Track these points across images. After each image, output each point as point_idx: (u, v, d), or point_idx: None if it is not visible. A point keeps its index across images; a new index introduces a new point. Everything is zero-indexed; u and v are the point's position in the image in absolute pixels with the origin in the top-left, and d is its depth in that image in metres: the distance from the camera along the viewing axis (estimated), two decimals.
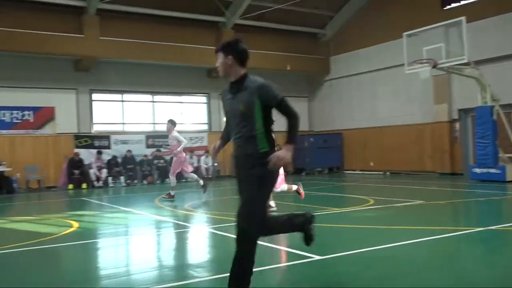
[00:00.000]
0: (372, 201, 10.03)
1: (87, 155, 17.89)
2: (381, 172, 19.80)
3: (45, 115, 17.67)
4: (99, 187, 17.18)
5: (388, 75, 19.62)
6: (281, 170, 7.68)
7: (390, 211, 8.86)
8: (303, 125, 21.62)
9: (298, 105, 19.93)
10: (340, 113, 22.15)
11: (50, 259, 6.04)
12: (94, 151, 18.04)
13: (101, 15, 17.84)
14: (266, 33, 21.11)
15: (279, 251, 5.78)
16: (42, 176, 16.94)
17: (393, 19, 18.98)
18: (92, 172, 17.43)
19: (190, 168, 12.06)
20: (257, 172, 3.69)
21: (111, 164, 17.97)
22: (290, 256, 5.42)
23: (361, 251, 5.45)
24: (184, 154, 11.72)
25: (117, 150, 18.63)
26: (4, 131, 16.87)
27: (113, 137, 18.84)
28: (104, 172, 17.58)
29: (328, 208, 9.19)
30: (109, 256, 6.26)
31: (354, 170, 21.09)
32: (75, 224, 8.28)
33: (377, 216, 8.34)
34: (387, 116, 19.86)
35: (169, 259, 5.91)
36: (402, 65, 15.62)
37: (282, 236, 5.97)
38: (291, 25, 21.32)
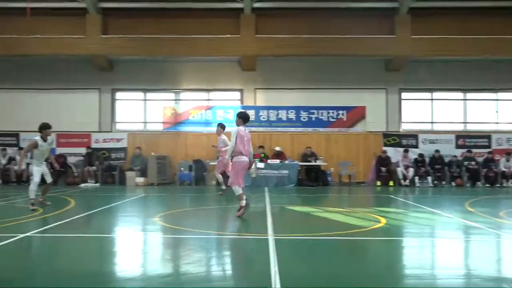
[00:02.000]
0: None
1: (394, 153, 18.20)
2: None
3: (357, 114, 18.77)
4: (406, 185, 17.24)
5: None
6: None
7: None
8: None
9: None
10: None
11: (357, 250, 6.38)
12: (401, 149, 18.20)
13: (412, 14, 17.86)
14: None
15: None
16: (353, 172, 18.04)
17: None
18: (399, 170, 17.60)
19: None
20: None
21: (418, 163, 17.79)
22: None
23: None
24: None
25: (424, 149, 18.35)
26: (321, 129, 18.67)
27: (421, 136, 18.64)
28: (411, 171, 17.53)
29: None
30: (414, 256, 6.22)
31: None
32: (383, 220, 8.52)
33: None
34: None
35: (478, 268, 5.50)
36: None
37: None
38: None
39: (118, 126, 19.30)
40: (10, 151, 18.18)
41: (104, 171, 18.00)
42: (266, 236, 6.81)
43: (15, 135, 18.61)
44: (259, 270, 5.07)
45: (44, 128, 10.07)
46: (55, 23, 18.41)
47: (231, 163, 9.24)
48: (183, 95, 19.49)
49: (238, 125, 8.89)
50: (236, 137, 8.66)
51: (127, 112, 19.45)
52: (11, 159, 17.86)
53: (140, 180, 17.29)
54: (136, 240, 7.13)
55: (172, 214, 9.80)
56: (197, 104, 19.21)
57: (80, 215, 9.39)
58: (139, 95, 19.52)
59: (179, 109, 19.10)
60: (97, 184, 17.34)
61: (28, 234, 6.95)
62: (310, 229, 7.83)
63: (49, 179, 10.31)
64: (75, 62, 18.70)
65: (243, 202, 8.67)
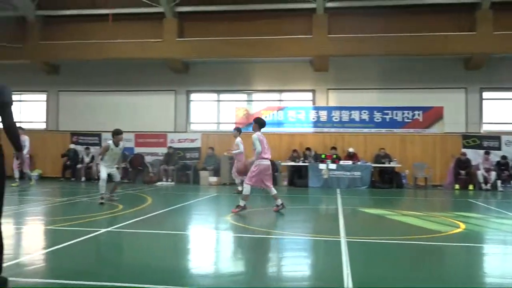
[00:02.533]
0: None
1: (474, 156, 17.35)
2: None
3: (433, 115, 18.07)
4: (487, 189, 16.37)
5: None
6: None
7: None
8: None
9: None
10: None
11: (433, 255, 6.14)
12: (482, 151, 17.31)
13: (495, 9, 16.98)
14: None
15: None
16: (429, 174, 17.39)
17: None
18: (480, 173, 16.75)
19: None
20: None
21: (501, 166, 16.84)
22: None
23: None
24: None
25: (508, 151, 17.34)
26: (396, 130, 18.16)
27: (504, 138, 17.63)
28: (493, 174, 16.63)
29: None
30: (495, 264, 5.90)
31: None
32: (462, 225, 8.16)
33: None
34: None
35: None
36: None
37: None
38: None
39: (193, 127, 19.83)
40: (93, 150, 19.21)
41: (179, 170, 18.56)
42: (338, 238, 6.73)
43: (98, 135, 19.65)
44: (331, 271, 5.02)
45: (116, 134, 10.70)
46: (135, 28, 19.24)
47: (253, 165, 9.61)
48: (255, 96, 19.69)
49: (255, 130, 9.52)
50: (261, 142, 9.27)
51: (201, 113, 19.94)
52: (94, 158, 18.88)
53: (213, 179, 17.66)
54: (208, 238, 7.29)
55: (243, 213, 9.92)
56: (269, 105, 19.33)
57: (156, 213, 9.75)
58: (213, 96, 19.95)
59: (251, 109, 19.32)
60: (172, 183, 17.92)
61: (108, 229, 7.31)
62: (384, 232, 7.64)
63: (117, 177, 10.87)
64: (153, 65, 19.43)
65: (243, 203, 9.30)
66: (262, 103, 19.46)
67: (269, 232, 7.27)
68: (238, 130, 14.03)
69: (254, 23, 18.62)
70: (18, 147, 4.31)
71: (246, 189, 9.36)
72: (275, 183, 17.60)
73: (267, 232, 7.31)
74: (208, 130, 19.62)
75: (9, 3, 18.47)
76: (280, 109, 19.05)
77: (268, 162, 9.49)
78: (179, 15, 18.98)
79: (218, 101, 19.94)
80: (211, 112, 19.90)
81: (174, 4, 18.41)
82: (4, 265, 4.98)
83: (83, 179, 18.64)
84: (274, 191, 9.47)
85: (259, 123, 9.58)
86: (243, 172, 10.50)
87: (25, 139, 15.02)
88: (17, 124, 4.40)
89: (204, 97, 20.08)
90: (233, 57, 18.47)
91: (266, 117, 18.98)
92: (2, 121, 4.17)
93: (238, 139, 13.70)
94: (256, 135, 9.37)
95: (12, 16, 19.32)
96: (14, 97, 21.40)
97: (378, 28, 17.75)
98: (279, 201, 9.48)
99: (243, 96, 19.85)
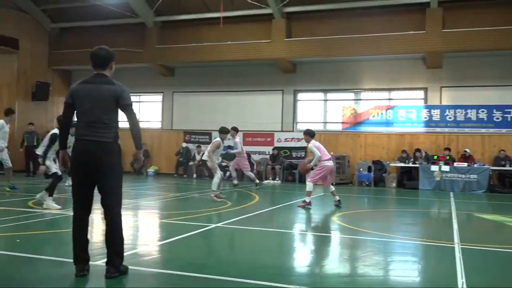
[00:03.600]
0: None
1: None
2: None
3: None
4: None
5: None
6: None
7: None
8: None
9: None
10: None
11: None
12: None
13: None
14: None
15: None
16: None
17: None
18: None
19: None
20: None
21: None
22: None
23: None
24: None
25: None
26: None
27: None
28: None
29: None
30: None
31: None
32: None
33: None
34: None
35: None
36: None
37: None
38: None
39: (299, 126, 19.91)
40: (204, 148, 20.05)
41: (285, 169, 18.74)
42: (452, 244, 6.37)
43: (208, 133, 20.47)
44: (444, 279, 4.77)
45: (222, 132, 11.33)
46: (244, 29, 19.75)
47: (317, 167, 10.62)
48: (363, 94, 19.26)
49: (308, 141, 10.71)
50: (318, 148, 10.41)
51: (308, 112, 19.94)
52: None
53: None
54: (315, 237, 7.28)
55: (351, 214, 9.77)
56: (377, 104, 18.81)
57: (263, 210, 9.93)
58: (319, 95, 19.86)
59: (359, 109, 18.94)
60: (279, 182, 18.14)
61: (218, 224, 7.59)
62: (503, 240, 7.09)
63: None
64: (261, 65, 19.81)
65: (309, 199, 10.34)
66: (370, 102, 18.99)
67: (378, 235, 7.08)
68: (235, 129, 14.23)
69: (362, 20, 18.21)
70: (138, 146, 4.66)
71: (309, 186, 10.40)
72: (383, 184, 17.19)
73: (375, 234, 7.13)
74: (314, 130, 19.56)
75: (131, 11, 19.88)
76: (389, 108, 18.45)
77: (332, 163, 10.80)
78: (287, 15, 19.15)
79: (325, 100, 19.81)
80: (318, 112, 19.83)
81: (282, 5, 18.61)
82: (124, 254, 5.38)
83: (194, 176, 19.54)
84: (333, 187, 10.70)
85: (310, 134, 10.72)
86: (306, 171, 11.79)
87: None
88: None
89: (311, 96, 20.07)
90: (340, 56, 18.23)
91: (374, 116, 18.54)
92: (128, 122, 4.56)
93: (237, 139, 14.20)
94: (311, 144, 10.51)
95: (133, 23, 20.77)
96: (134, 98, 22.93)
97: (496, 20, 16.46)
98: (337, 197, 10.58)
99: (350, 95, 19.52)
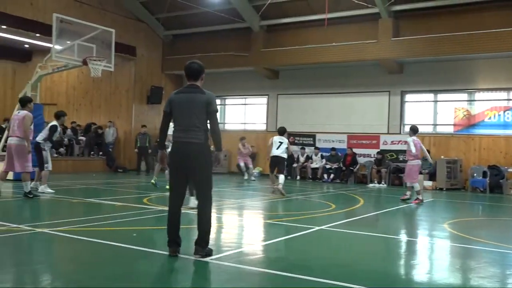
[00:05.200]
0: None
1: None
2: None
3: None
4: None
5: None
6: None
7: None
8: None
9: None
10: None
11: None
12: None
13: None
14: None
15: None
16: None
17: None
18: None
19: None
20: None
21: None
22: None
23: None
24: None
25: None
26: None
27: None
28: None
29: None
30: None
31: None
32: None
33: None
34: None
35: None
36: None
37: None
38: None
39: (407, 128, 19.17)
40: (308, 150, 20.08)
41: (392, 173, 18.15)
42: None
43: (312, 136, 20.45)
44: None
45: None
46: (348, 30, 19.42)
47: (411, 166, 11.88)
48: (478, 95, 18.06)
49: (410, 135, 11.74)
50: (415, 145, 11.46)
51: (416, 114, 19.13)
52: (308, 158, 19.73)
53: (428, 183, 16.81)
54: (423, 244, 6.97)
55: (463, 222, 9.23)
56: (494, 105, 17.53)
57: (368, 214, 9.72)
58: (429, 96, 18.97)
59: (473, 110, 17.80)
60: (385, 185, 17.62)
61: (321, 227, 7.56)
62: None
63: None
64: (366, 66, 19.38)
65: (421, 197, 11.56)
66: (486, 103, 17.74)
67: (494, 245, 6.60)
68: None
69: (479, 15, 17.06)
70: (218, 148, 5.34)
71: (417, 186, 11.54)
72: (499, 190, 15.98)
73: (491, 244, 6.65)
74: (423, 132, 18.74)
75: (238, 16, 20.49)
76: (507, 109, 17.12)
77: (419, 162, 11.81)
78: (394, 14, 18.54)
79: (435, 101, 18.88)
80: (427, 113, 18.94)
81: (389, 4, 18.06)
82: (229, 252, 5.59)
83: (297, 177, 19.61)
84: (418, 186, 11.61)
85: (413, 130, 11.84)
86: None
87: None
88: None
89: (419, 97, 19.24)
90: (452, 54, 17.25)
91: (490, 118, 17.33)
92: (210, 126, 5.22)
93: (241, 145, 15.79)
94: (411, 138, 11.56)
95: (240, 28, 21.37)
96: (240, 101, 23.68)
97: None
98: (421, 196, 11.59)
99: (463, 96, 18.39)
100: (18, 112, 9.85)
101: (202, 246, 5.13)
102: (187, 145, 5.12)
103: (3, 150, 14.27)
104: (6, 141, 11.88)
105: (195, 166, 5.14)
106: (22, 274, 4.60)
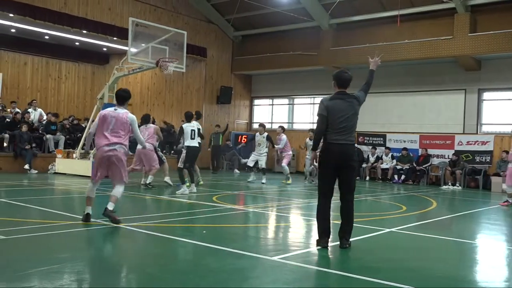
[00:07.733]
0: None
1: None
2: None
3: None
4: None
5: None
6: None
7: None
8: None
9: None
10: None
11: None
12: None
13: None
14: None
15: None
16: None
17: None
18: None
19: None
20: None
21: None
22: None
23: None
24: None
25: None
26: None
27: None
28: None
29: None
30: None
31: None
32: None
33: None
34: None
35: None
36: None
37: None
38: None
39: (484, 128, 18.27)
40: (378, 150, 19.63)
41: (467, 174, 17.36)
42: None
43: (383, 135, 19.98)
44: None
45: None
46: (422, 27, 18.79)
47: None
48: None
49: None
50: None
51: (494, 113, 18.17)
52: (378, 158, 19.29)
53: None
54: (501, 250, 6.62)
55: None
56: None
57: (441, 217, 9.36)
58: (509, 94, 17.95)
59: None
60: (459, 187, 16.89)
61: (392, 229, 7.37)
62: None
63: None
64: (440, 63, 18.66)
65: (511, 200, 11.17)
66: None
67: None
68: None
69: None
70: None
71: (510, 189, 11.31)
72: None
73: None
74: (502, 132, 17.77)
75: (307, 15, 20.41)
76: None
77: None
78: (472, 9, 17.71)
79: None
80: (507, 112, 17.92)
81: None
82: (297, 252, 5.59)
83: (367, 178, 19.22)
84: (510, 189, 11.36)
85: None
86: None
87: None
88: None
89: (498, 95, 18.25)
90: None
91: None
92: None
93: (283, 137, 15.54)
94: None
95: (309, 27, 21.28)
96: (308, 100, 23.42)
97: None
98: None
99: None
100: (116, 109, 6.90)
101: (347, 238, 5.76)
102: (342, 146, 5.69)
103: (82, 149, 15.12)
104: (85, 140, 12.60)
105: (347, 165, 5.69)
106: (100, 264, 4.87)
